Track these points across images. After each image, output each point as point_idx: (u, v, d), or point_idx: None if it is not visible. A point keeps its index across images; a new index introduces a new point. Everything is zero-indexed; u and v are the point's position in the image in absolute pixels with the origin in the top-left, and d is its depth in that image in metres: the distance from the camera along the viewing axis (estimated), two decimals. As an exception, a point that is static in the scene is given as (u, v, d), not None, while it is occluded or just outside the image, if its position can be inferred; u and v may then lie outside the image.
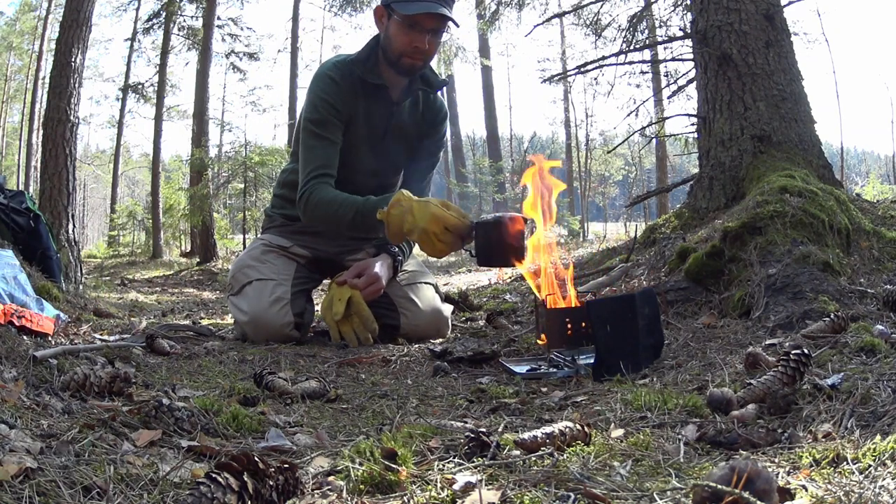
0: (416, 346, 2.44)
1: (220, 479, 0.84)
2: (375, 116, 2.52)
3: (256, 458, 0.89)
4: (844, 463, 0.96)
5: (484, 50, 17.95)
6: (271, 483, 0.88)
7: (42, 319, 2.02)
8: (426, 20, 2.28)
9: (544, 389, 1.71)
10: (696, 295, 2.52)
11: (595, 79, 7.66)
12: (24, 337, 1.90)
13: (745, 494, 0.75)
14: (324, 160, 2.41)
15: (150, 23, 15.29)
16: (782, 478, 0.94)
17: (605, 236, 13.77)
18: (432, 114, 2.63)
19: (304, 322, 2.55)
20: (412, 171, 2.68)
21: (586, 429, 1.18)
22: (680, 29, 5.95)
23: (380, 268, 2.44)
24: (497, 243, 2.06)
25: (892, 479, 0.88)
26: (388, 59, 2.41)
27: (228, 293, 2.71)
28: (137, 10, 16.63)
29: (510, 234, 2.05)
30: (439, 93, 2.67)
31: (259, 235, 2.85)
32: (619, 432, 1.22)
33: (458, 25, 2.45)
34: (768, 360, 1.57)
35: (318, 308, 2.86)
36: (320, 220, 2.47)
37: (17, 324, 1.91)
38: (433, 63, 2.56)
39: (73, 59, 5.92)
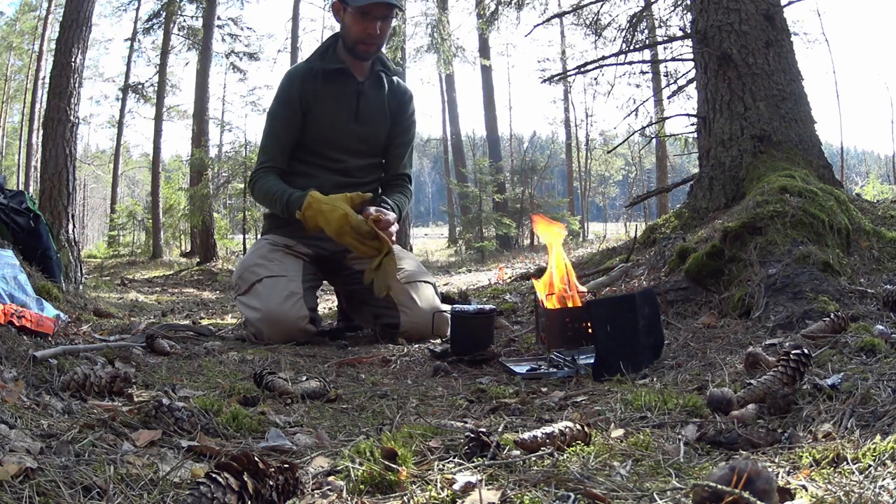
0: (416, 346, 2.44)
1: (220, 479, 0.84)
2: (343, 95, 2.77)
3: (256, 458, 0.89)
4: (844, 463, 0.96)
5: (484, 50, 17.92)
6: (271, 483, 0.88)
7: (42, 319, 2.02)
8: (375, 9, 2.61)
9: (544, 389, 1.71)
10: (696, 295, 2.52)
11: (595, 79, 7.67)
12: (24, 337, 1.90)
13: (745, 494, 0.75)
14: (273, 155, 2.78)
15: (150, 23, 15.29)
16: (782, 478, 0.94)
17: (605, 236, 13.78)
18: (398, 95, 2.88)
19: (317, 317, 2.58)
20: (393, 147, 2.90)
21: (586, 429, 1.18)
22: (680, 29, 5.94)
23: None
24: (472, 334, 2.23)
25: (892, 479, 0.88)
26: (347, 47, 2.74)
27: (236, 294, 2.70)
28: (137, 10, 16.63)
29: (483, 326, 2.26)
30: (401, 82, 2.94)
31: (262, 236, 2.88)
32: (619, 432, 1.22)
33: (402, 10, 2.76)
34: (768, 360, 1.57)
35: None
36: (261, 203, 2.90)
37: (17, 324, 1.90)
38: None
39: (73, 59, 5.93)
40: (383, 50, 2.84)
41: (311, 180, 2.71)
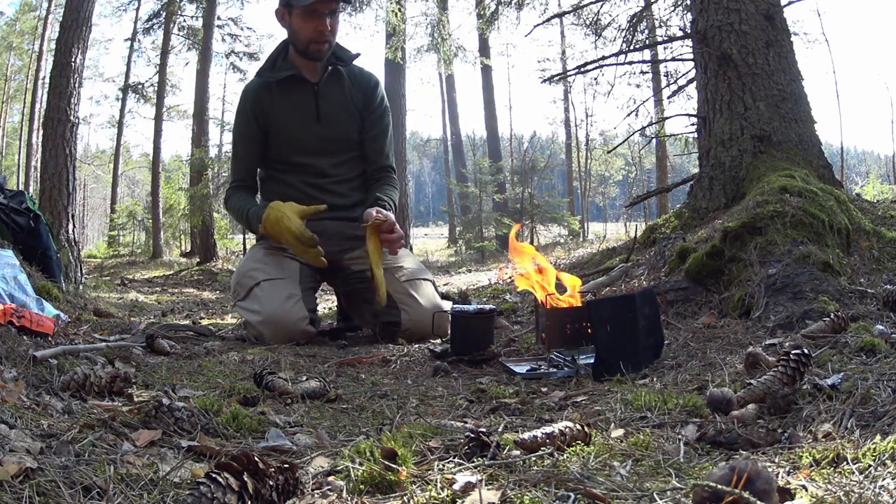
0: (416, 345, 2.44)
1: (220, 479, 0.84)
2: (300, 101, 2.71)
3: (256, 458, 0.89)
4: (844, 463, 0.96)
5: (484, 50, 17.92)
6: (271, 483, 0.88)
7: (42, 319, 2.01)
8: (321, 5, 2.55)
9: (544, 389, 1.71)
10: (696, 295, 2.52)
11: (595, 79, 7.67)
12: (24, 337, 1.90)
13: (745, 494, 0.75)
14: (240, 175, 2.83)
15: (150, 23, 15.28)
16: (782, 478, 0.94)
17: (605, 236, 13.76)
18: (362, 84, 2.80)
19: (316, 318, 2.57)
20: (369, 141, 2.82)
21: (586, 429, 1.18)
22: (680, 29, 5.94)
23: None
24: (472, 334, 2.22)
25: (892, 479, 0.88)
26: (299, 50, 2.67)
27: (235, 300, 2.69)
28: (137, 10, 16.61)
29: (483, 326, 2.25)
30: (365, 68, 2.86)
31: (257, 242, 2.85)
32: (619, 432, 1.22)
33: (348, 2, 2.73)
34: (768, 360, 1.57)
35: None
36: (234, 219, 2.97)
37: (17, 324, 1.90)
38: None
39: (73, 59, 5.93)
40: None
41: (283, 186, 2.75)
